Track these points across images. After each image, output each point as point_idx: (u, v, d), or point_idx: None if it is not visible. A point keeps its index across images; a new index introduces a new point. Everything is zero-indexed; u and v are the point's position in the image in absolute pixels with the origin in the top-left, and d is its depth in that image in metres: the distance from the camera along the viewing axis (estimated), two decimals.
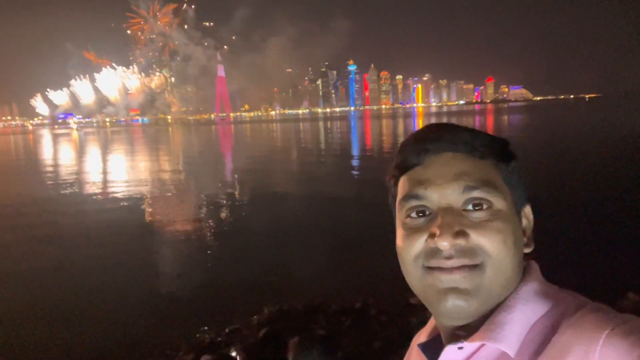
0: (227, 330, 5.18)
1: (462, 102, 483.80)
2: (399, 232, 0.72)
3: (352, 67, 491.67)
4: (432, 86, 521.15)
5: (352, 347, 4.49)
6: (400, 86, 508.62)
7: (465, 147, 0.70)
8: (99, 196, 15.71)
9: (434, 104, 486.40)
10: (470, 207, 0.67)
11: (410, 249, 0.68)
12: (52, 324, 5.80)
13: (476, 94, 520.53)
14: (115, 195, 15.57)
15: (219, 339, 5.03)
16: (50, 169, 26.50)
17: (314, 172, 18.70)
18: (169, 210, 12.73)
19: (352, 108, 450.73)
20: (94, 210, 13.10)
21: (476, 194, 0.67)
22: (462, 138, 0.71)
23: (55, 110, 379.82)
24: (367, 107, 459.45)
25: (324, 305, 5.49)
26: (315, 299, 5.68)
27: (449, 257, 0.64)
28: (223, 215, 11.74)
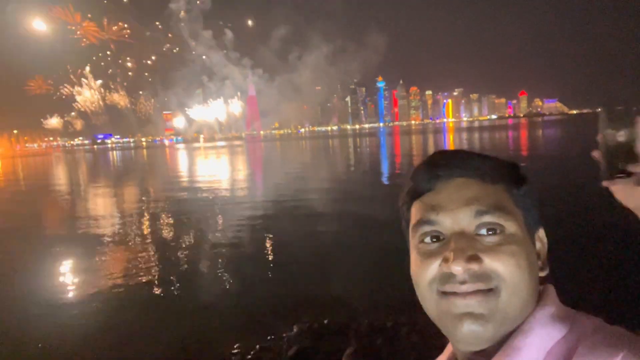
0: (257, 347, 5.17)
1: (494, 116, 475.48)
2: (413, 258, 0.72)
3: (380, 84, 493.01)
4: (462, 101, 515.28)
5: None
6: (430, 101, 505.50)
7: (475, 172, 0.71)
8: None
9: (465, 118, 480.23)
10: (483, 231, 0.67)
11: (424, 274, 0.68)
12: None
13: (509, 108, 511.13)
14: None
15: (249, 356, 5.02)
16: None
17: (346, 190, 18.65)
18: (205, 222, 12.93)
19: (381, 124, 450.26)
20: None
21: (488, 218, 0.67)
22: (472, 163, 0.72)
23: (95, 131, 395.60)
24: (397, 123, 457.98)
25: (355, 323, 5.42)
26: (346, 317, 5.61)
27: (463, 282, 0.64)
28: (258, 229, 11.85)
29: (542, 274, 0.73)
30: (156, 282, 7.96)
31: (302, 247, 9.66)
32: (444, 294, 0.66)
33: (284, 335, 5.35)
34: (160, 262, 9.28)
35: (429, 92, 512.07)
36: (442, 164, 0.73)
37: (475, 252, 0.65)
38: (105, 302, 7.14)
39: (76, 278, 8.73)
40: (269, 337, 5.34)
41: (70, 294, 7.79)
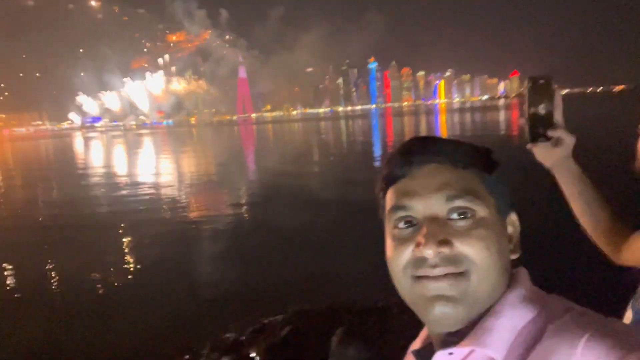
0: (250, 329, 5.21)
1: (485, 97, 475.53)
2: (388, 243, 0.73)
3: (372, 65, 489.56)
4: (454, 82, 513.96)
5: (378, 345, 4.47)
6: (422, 82, 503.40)
7: (448, 158, 0.72)
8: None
9: (456, 99, 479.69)
10: (454, 216, 0.69)
11: (398, 259, 0.70)
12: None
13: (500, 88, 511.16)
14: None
15: (243, 338, 5.06)
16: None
17: (341, 173, 18.64)
18: (202, 208, 12.92)
19: (374, 106, 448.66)
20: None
21: (459, 202, 0.69)
22: (445, 149, 0.73)
23: (85, 115, 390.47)
24: (389, 104, 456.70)
25: (347, 304, 5.47)
26: (338, 299, 5.67)
27: (435, 266, 0.66)
28: (253, 214, 11.87)
29: (514, 256, 0.74)
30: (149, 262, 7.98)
31: (294, 227, 9.70)
32: (417, 278, 0.67)
33: (277, 317, 5.39)
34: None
35: (421, 73, 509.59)
36: (415, 151, 0.74)
37: (446, 236, 0.66)
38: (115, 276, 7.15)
39: None
40: (261, 319, 5.39)
41: None
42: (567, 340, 0.58)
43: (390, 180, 0.76)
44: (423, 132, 38.10)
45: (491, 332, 0.65)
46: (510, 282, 0.70)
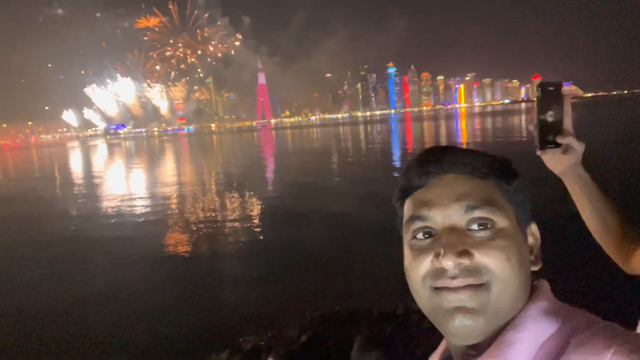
0: (269, 334, 5.21)
1: (507, 100, 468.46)
2: (406, 254, 0.73)
3: (391, 70, 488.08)
4: (475, 86, 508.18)
5: (397, 353, 4.41)
6: (441, 87, 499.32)
7: (466, 168, 0.72)
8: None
9: (477, 103, 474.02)
10: (474, 226, 0.68)
11: (417, 269, 0.69)
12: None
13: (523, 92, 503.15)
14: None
15: (262, 343, 5.07)
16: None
17: (360, 174, 18.59)
18: (221, 210, 13.03)
19: (393, 110, 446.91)
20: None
21: (478, 213, 0.68)
22: (463, 159, 0.73)
23: (109, 122, 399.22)
24: (408, 109, 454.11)
25: (366, 310, 5.43)
26: (357, 304, 5.63)
27: (454, 277, 0.65)
28: (275, 217, 11.91)
29: (535, 268, 0.73)
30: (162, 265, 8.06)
31: (316, 229, 9.70)
32: (436, 289, 0.67)
33: (297, 322, 5.38)
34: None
35: (440, 78, 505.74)
36: (433, 161, 0.74)
37: (466, 247, 0.66)
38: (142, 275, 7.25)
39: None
40: (280, 324, 5.39)
41: None
42: (590, 355, 0.56)
43: (408, 191, 0.76)
44: (443, 137, 37.72)
45: (512, 345, 0.63)
46: (532, 294, 0.69)
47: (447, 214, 0.69)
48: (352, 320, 5.26)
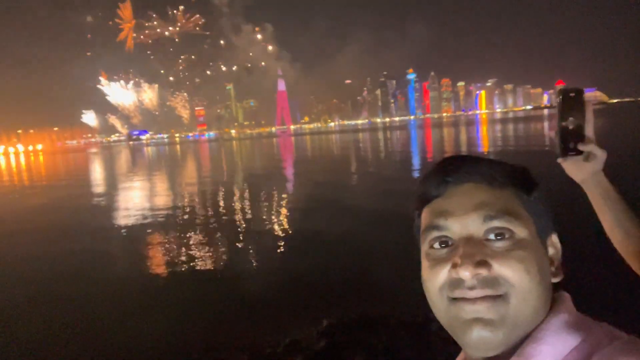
0: (287, 340, 5.21)
1: (529, 107, 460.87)
2: (424, 264, 0.72)
3: (411, 76, 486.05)
4: (496, 92, 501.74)
5: None
6: (462, 93, 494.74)
7: (484, 178, 0.71)
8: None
9: (498, 110, 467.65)
10: (492, 236, 0.67)
11: (434, 280, 0.68)
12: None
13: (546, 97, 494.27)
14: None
15: (278, 350, 5.06)
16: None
17: (382, 184, 18.51)
18: (250, 211, 13.13)
19: (412, 117, 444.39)
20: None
21: (496, 223, 0.67)
22: (480, 169, 0.72)
23: (132, 128, 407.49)
24: (428, 115, 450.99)
25: (384, 318, 5.38)
26: (375, 311, 5.58)
27: (472, 288, 0.64)
28: (293, 221, 11.93)
29: (555, 280, 0.72)
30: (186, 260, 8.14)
31: (335, 235, 9.67)
32: (454, 299, 0.66)
33: (314, 328, 5.36)
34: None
35: (461, 84, 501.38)
36: (451, 170, 0.73)
37: (484, 257, 0.65)
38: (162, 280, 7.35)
39: None
40: (298, 330, 5.38)
41: None
42: None
43: (425, 200, 0.75)
44: (463, 144, 37.27)
45: (532, 359, 0.62)
46: (552, 306, 0.68)
47: (465, 224, 0.68)
48: (369, 327, 5.22)
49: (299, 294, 6.79)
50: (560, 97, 1.12)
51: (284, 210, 14.24)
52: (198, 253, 9.49)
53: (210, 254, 9.49)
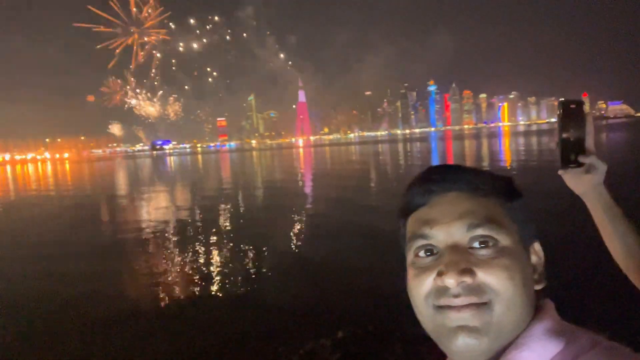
0: (301, 351, 5.20)
1: (553, 119, 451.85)
2: (409, 272, 0.72)
3: (432, 88, 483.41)
4: (519, 104, 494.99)
5: None
6: (484, 105, 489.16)
7: (468, 187, 0.72)
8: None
9: (522, 122, 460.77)
10: (476, 244, 0.68)
11: (419, 288, 0.69)
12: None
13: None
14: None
15: None
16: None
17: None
18: (269, 226, 13.21)
19: (433, 129, 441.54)
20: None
21: (480, 231, 0.68)
22: (465, 178, 0.73)
23: (155, 138, 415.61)
24: (449, 127, 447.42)
25: (400, 330, 5.32)
26: (390, 324, 5.53)
27: (457, 295, 0.65)
28: (308, 231, 11.95)
29: (538, 287, 0.73)
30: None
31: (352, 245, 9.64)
32: (439, 307, 0.66)
33: (328, 339, 5.34)
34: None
35: (483, 96, 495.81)
36: (436, 179, 0.74)
37: (468, 265, 0.65)
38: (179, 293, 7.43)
39: None
40: (312, 342, 5.36)
41: None
42: None
43: (410, 209, 0.76)
44: (485, 157, 36.80)
45: None
46: (536, 313, 0.68)
47: (450, 232, 0.69)
48: (384, 340, 5.17)
49: (313, 307, 6.77)
50: (561, 108, 1.11)
51: (304, 229, 14.25)
52: (216, 265, 9.54)
53: (228, 267, 9.54)
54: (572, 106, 1.10)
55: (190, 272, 8.94)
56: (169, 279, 8.59)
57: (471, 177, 0.73)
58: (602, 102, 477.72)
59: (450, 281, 0.64)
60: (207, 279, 8.41)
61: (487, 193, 0.72)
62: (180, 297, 7.64)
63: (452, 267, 0.65)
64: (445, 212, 0.70)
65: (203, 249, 10.85)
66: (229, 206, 18.80)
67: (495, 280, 0.64)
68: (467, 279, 0.64)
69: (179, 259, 10.09)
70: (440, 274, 0.66)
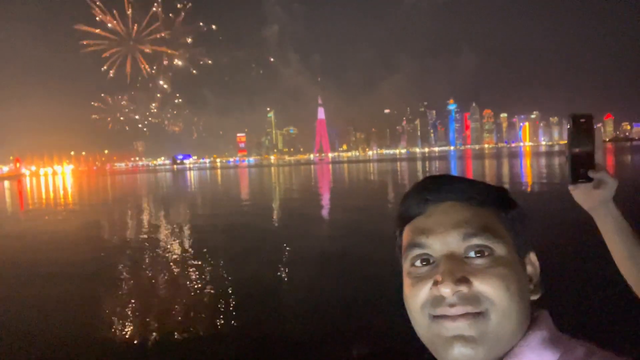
0: None
1: None
2: (405, 282, 0.72)
3: (452, 106, 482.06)
4: (541, 124, 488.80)
5: None
6: (504, 124, 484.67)
7: (464, 196, 0.72)
8: None
9: (543, 142, 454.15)
10: (472, 254, 0.68)
11: (416, 297, 0.68)
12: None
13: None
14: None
15: None
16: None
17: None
18: (292, 233, 13.23)
19: (452, 147, 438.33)
20: None
21: (476, 240, 0.68)
22: (460, 187, 0.73)
23: (176, 153, 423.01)
24: (468, 146, 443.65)
25: (416, 351, 5.24)
26: (406, 344, 5.45)
27: (453, 305, 0.64)
28: (319, 246, 11.91)
29: (534, 297, 0.73)
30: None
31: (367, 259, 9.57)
32: (435, 317, 0.66)
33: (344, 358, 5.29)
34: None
35: (503, 115, 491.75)
36: (431, 189, 0.74)
37: (464, 274, 0.65)
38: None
39: None
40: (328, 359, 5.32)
41: None
42: None
43: (406, 219, 0.76)
44: (505, 177, 36.28)
45: None
46: (531, 324, 0.68)
47: (446, 242, 0.69)
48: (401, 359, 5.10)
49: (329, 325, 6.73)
50: (571, 122, 1.09)
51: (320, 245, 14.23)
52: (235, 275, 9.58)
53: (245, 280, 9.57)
54: (582, 120, 1.08)
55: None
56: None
57: (466, 186, 0.74)
58: (627, 123, 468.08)
59: (446, 290, 0.64)
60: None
61: (483, 203, 0.72)
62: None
63: (448, 276, 0.65)
64: (441, 221, 0.70)
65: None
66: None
67: (491, 289, 0.64)
68: (463, 288, 0.64)
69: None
70: (436, 283, 0.66)
